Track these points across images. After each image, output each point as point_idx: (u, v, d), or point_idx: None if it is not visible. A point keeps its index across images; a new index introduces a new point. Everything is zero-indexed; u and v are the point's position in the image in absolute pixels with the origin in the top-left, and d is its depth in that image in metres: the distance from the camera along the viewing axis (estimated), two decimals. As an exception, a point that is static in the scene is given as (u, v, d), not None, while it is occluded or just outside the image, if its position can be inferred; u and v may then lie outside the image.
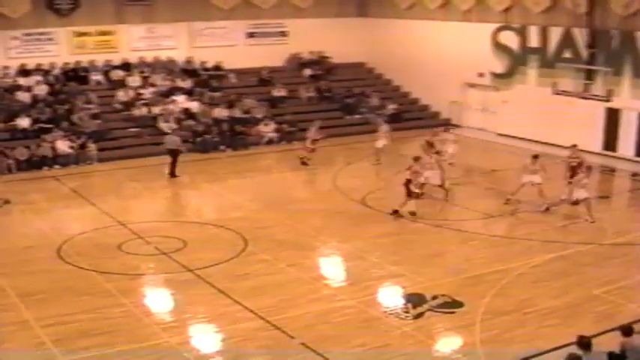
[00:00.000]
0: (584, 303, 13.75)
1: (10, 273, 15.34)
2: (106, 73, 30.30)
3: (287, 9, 33.85)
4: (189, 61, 31.87)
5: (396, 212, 19.13)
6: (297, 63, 34.43)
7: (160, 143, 27.10)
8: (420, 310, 13.49)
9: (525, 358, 11.63)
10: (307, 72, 33.86)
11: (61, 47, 29.73)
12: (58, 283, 14.83)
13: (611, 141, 26.46)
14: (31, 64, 29.07)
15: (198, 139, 27.58)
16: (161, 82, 30.35)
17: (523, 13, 29.09)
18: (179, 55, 31.97)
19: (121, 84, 29.82)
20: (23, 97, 27.65)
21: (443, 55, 31.65)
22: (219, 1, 32.19)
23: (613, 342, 10.30)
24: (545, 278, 14.99)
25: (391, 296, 14.33)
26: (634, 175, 24.69)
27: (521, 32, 29.22)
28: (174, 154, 24.22)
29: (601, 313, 13.22)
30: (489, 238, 17.81)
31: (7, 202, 20.77)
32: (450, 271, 15.45)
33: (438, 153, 21.72)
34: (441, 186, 20.68)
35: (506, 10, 29.70)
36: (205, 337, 12.78)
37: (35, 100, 27.66)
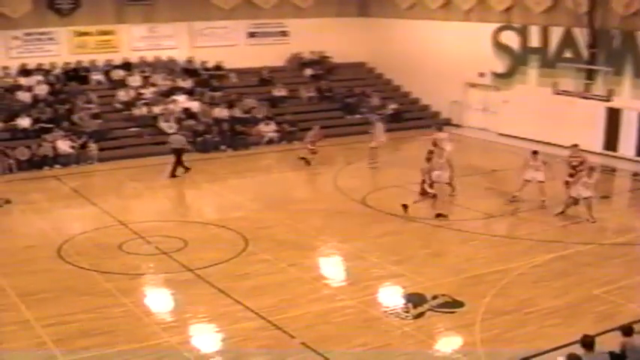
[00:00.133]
0: (584, 303, 13.75)
1: (10, 273, 15.35)
2: (106, 73, 30.31)
3: (287, 9, 33.85)
4: (189, 61, 31.89)
5: (405, 206, 19.16)
6: (298, 63, 34.43)
7: (160, 143, 27.19)
8: (420, 309, 13.49)
9: (525, 358, 11.62)
10: (308, 72, 33.87)
11: (61, 47, 29.75)
12: (58, 283, 14.83)
13: (611, 141, 26.45)
14: (31, 63, 29.09)
15: (199, 139, 27.58)
16: (162, 81, 30.36)
17: (524, 13, 29.09)
18: (180, 55, 31.98)
19: (122, 84, 29.83)
20: (24, 96, 27.67)
21: (444, 54, 31.65)
22: (220, 1, 32.20)
23: (613, 342, 10.29)
24: (545, 278, 14.99)
25: (391, 296, 14.33)
26: (634, 174, 24.68)
27: (522, 32, 29.21)
28: (179, 153, 24.26)
29: (601, 313, 13.22)
30: (490, 238, 17.81)
31: (7, 201, 20.78)
32: (450, 271, 15.44)
33: (431, 152, 21.75)
34: (449, 183, 20.64)
35: (507, 9, 29.69)
36: (206, 336, 12.79)
37: (36, 99, 27.67)
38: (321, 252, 17.29)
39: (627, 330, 10.17)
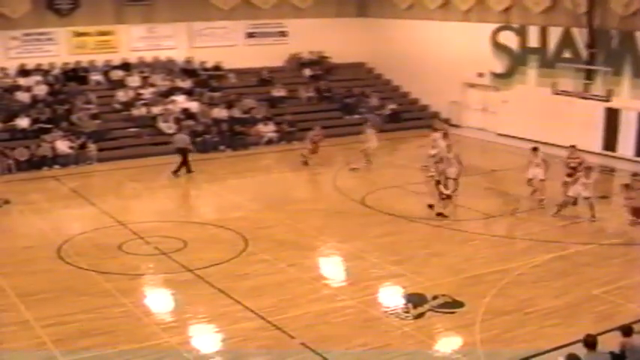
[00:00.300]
0: (584, 303, 13.75)
1: (10, 273, 15.34)
2: (105, 73, 30.30)
3: (287, 9, 33.85)
4: (188, 61, 31.87)
5: (431, 206, 19.22)
6: (297, 63, 34.43)
7: (159, 143, 27.25)
8: (420, 310, 13.49)
9: (525, 358, 11.62)
10: (307, 72, 33.87)
11: (60, 47, 29.74)
12: (58, 283, 14.82)
13: (610, 141, 26.45)
14: (30, 64, 29.08)
15: (198, 139, 27.57)
16: (161, 82, 30.35)
17: (523, 13, 29.09)
18: (179, 55, 31.97)
19: (121, 84, 29.82)
20: (23, 97, 27.65)
21: (443, 55, 31.65)
22: (219, 1, 32.20)
23: (613, 342, 10.29)
24: (545, 278, 14.99)
25: (391, 296, 14.33)
26: (634, 175, 24.62)
27: (521, 32, 29.22)
28: (183, 152, 24.28)
29: (601, 313, 13.22)
30: (489, 238, 17.82)
31: (7, 202, 20.77)
32: (450, 271, 15.44)
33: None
34: (455, 179, 20.55)
35: (506, 10, 29.70)
36: (205, 337, 12.78)
37: (35, 100, 27.66)
38: (320, 252, 17.29)
39: (627, 330, 10.17)
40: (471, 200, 20.77)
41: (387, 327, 12.91)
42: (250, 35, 33.43)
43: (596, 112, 26.42)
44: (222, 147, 27.97)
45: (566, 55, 27.51)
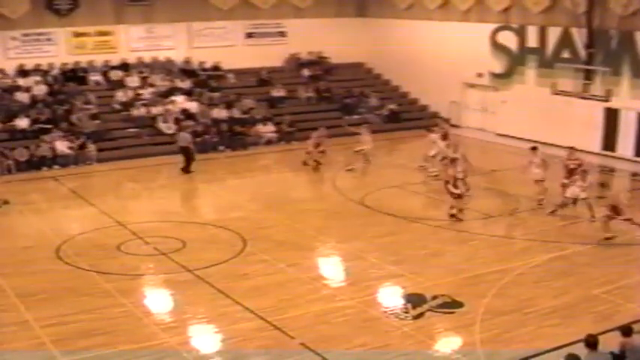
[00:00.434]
0: (583, 303, 13.75)
1: (9, 273, 15.34)
2: (104, 74, 30.30)
3: (286, 9, 33.85)
4: (187, 62, 31.87)
5: (457, 213, 19.12)
6: (296, 63, 34.43)
7: (158, 144, 27.31)
8: (419, 310, 13.49)
9: (525, 358, 11.62)
10: (306, 72, 33.86)
11: (59, 47, 29.74)
12: (57, 284, 14.82)
13: (610, 141, 26.45)
14: (29, 64, 29.08)
15: (197, 140, 27.55)
16: (160, 82, 30.35)
17: (522, 13, 29.10)
18: (178, 56, 31.96)
19: (120, 84, 29.83)
20: (22, 97, 27.65)
21: (442, 55, 31.65)
22: (218, 2, 32.20)
23: (613, 342, 10.29)
24: (544, 278, 14.99)
25: (391, 296, 14.33)
26: (633, 175, 24.70)
27: (520, 32, 29.23)
28: (186, 151, 24.29)
29: (600, 313, 13.21)
30: (489, 238, 17.81)
31: (6, 202, 20.75)
32: (449, 272, 15.44)
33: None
34: (463, 179, 20.53)
35: (505, 10, 29.71)
36: (205, 337, 12.78)
37: (34, 100, 27.65)
38: (320, 252, 17.29)
39: (626, 330, 10.17)
40: (470, 200, 20.76)
41: (386, 327, 12.92)
42: (249, 35, 33.43)
43: (595, 112, 26.42)
44: (221, 147, 27.97)
45: (566, 55, 27.52)
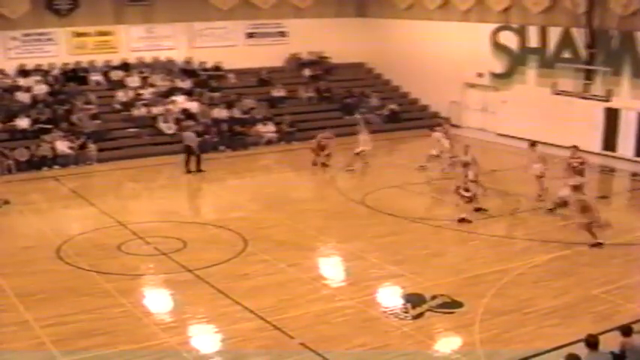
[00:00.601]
0: (583, 303, 13.74)
1: (9, 273, 15.34)
2: (105, 74, 30.31)
3: (286, 9, 33.86)
4: (188, 62, 31.88)
5: (478, 210, 19.18)
6: (297, 63, 34.43)
7: (159, 144, 27.36)
8: (419, 310, 13.49)
9: (525, 358, 11.62)
10: (307, 72, 33.87)
11: (60, 47, 29.76)
12: (57, 284, 14.83)
13: (610, 141, 26.45)
14: (30, 64, 29.10)
15: (198, 140, 27.51)
16: (160, 82, 30.36)
17: (522, 13, 29.10)
18: (178, 56, 31.98)
19: (121, 84, 29.84)
20: (23, 97, 27.66)
21: (442, 55, 31.65)
22: (219, 2, 32.20)
23: (613, 342, 10.29)
24: (544, 278, 14.98)
25: (391, 296, 14.33)
26: (633, 175, 24.70)
27: (521, 32, 29.23)
28: (191, 150, 24.41)
29: (600, 314, 13.21)
30: (489, 238, 17.80)
31: (6, 202, 20.76)
32: (449, 272, 15.44)
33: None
34: (474, 181, 20.50)
35: (506, 10, 29.71)
36: (205, 337, 12.78)
37: (35, 100, 27.67)
38: (320, 252, 17.30)
39: (626, 330, 10.17)
40: (466, 204, 20.75)
41: (386, 327, 12.92)
42: (250, 35, 33.44)
43: (595, 112, 26.43)
44: (221, 147, 27.97)
45: (566, 55, 27.52)
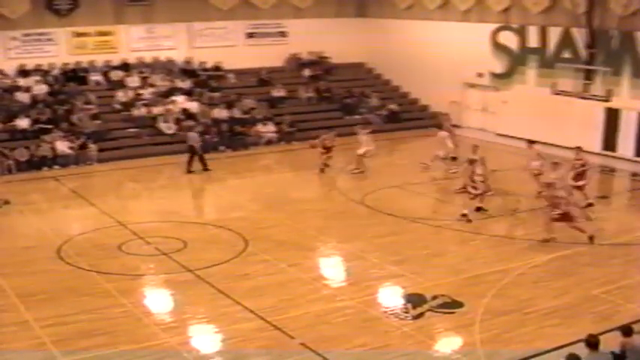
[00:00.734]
0: (583, 303, 13.75)
1: (10, 273, 15.34)
2: (105, 74, 30.31)
3: (286, 9, 33.87)
4: (188, 62, 31.88)
5: (478, 209, 19.28)
6: (297, 63, 34.44)
7: (159, 144, 27.37)
8: (419, 310, 13.49)
9: (525, 358, 11.62)
10: (306, 72, 33.88)
11: (60, 47, 29.76)
12: (58, 284, 14.83)
13: (610, 141, 26.46)
14: (30, 64, 29.10)
15: (201, 140, 27.52)
16: (160, 82, 30.36)
17: (522, 14, 29.12)
18: (178, 56, 31.98)
19: (121, 84, 29.84)
20: (23, 97, 27.66)
21: (442, 55, 31.66)
22: (219, 2, 32.21)
23: (613, 342, 10.29)
24: (544, 278, 14.99)
25: (391, 296, 14.33)
26: (634, 175, 24.71)
27: (521, 32, 29.25)
28: (194, 150, 24.52)
29: (600, 314, 13.21)
30: (489, 238, 17.81)
31: (6, 202, 20.76)
32: (449, 272, 15.44)
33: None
34: (482, 181, 20.49)
35: (506, 10, 29.74)
36: (205, 337, 12.78)
37: (35, 100, 27.66)
38: (320, 252, 17.30)
39: (627, 330, 10.17)
40: (470, 200, 20.76)
41: (386, 327, 12.92)
42: (250, 35, 33.45)
43: (595, 112, 26.43)
44: (222, 147, 27.96)
45: (566, 55, 27.55)
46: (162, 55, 31.73)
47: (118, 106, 28.96)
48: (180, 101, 29.53)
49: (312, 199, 22.52)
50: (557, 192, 17.15)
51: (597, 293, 14.14)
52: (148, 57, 31.43)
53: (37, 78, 28.66)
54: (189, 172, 24.33)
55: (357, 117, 31.52)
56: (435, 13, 32.44)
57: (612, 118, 26.35)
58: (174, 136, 27.56)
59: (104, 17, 30.40)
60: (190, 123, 27.77)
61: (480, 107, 31.55)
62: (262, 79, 32.67)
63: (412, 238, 17.89)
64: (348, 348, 12.12)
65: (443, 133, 24.54)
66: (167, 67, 31.50)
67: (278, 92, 31.97)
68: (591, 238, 16.77)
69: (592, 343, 9.74)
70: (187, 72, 31.49)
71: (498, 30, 30.08)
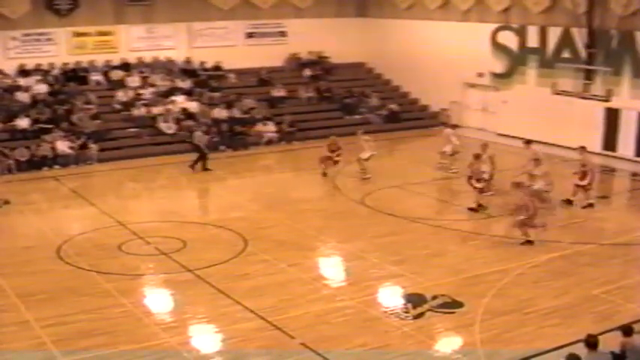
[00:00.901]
0: (583, 303, 13.76)
1: (10, 273, 15.35)
2: (105, 74, 30.30)
3: (286, 9, 33.86)
4: (188, 62, 31.88)
5: (477, 208, 19.40)
6: (297, 63, 34.43)
7: (159, 143, 27.38)
8: (420, 310, 13.50)
9: (525, 358, 11.63)
10: (307, 72, 33.87)
11: (60, 47, 29.74)
12: (58, 284, 14.83)
13: (610, 141, 26.45)
14: (30, 64, 29.08)
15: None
16: (160, 82, 30.36)
17: (522, 13, 29.11)
18: (178, 56, 31.97)
19: (121, 84, 29.83)
20: (23, 97, 27.65)
21: (442, 55, 31.65)
22: (219, 2, 32.20)
23: (613, 342, 10.30)
24: (544, 278, 14.99)
25: (391, 296, 14.34)
26: (634, 175, 24.71)
27: (521, 32, 29.23)
28: (200, 149, 24.62)
29: (600, 314, 13.22)
30: (489, 238, 17.81)
31: (6, 202, 20.75)
32: (449, 272, 15.44)
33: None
34: (488, 180, 20.52)
35: (506, 10, 29.72)
36: (205, 337, 12.79)
37: (35, 100, 27.66)
38: (320, 252, 17.30)
39: (627, 330, 10.18)
40: (471, 200, 20.76)
41: (386, 327, 12.93)
42: (250, 35, 33.43)
43: (595, 112, 26.42)
44: (222, 147, 27.94)
45: (566, 55, 27.52)
46: (163, 55, 31.71)
47: (118, 106, 28.96)
48: (181, 101, 29.53)
49: (312, 199, 22.50)
50: (524, 196, 17.18)
51: (597, 293, 14.15)
52: (148, 57, 31.41)
53: (38, 78, 28.65)
54: (205, 169, 24.38)
55: (357, 117, 31.56)
56: (435, 13, 32.43)
57: (612, 118, 26.35)
58: (175, 136, 27.56)
59: (104, 17, 30.39)
60: (191, 123, 27.75)
61: (480, 107, 31.54)
62: (262, 78, 32.66)
63: (412, 238, 17.89)
64: (348, 348, 12.12)
65: (448, 130, 24.61)
66: (167, 67, 31.49)
67: (278, 92, 31.96)
68: (530, 242, 16.82)
69: (591, 343, 9.75)
70: (187, 72, 31.49)
71: (498, 30, 30.06)
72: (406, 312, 13.45)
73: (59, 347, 12.05)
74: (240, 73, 32.62)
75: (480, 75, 30.97)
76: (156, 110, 28.57)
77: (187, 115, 28.70)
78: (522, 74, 29.48)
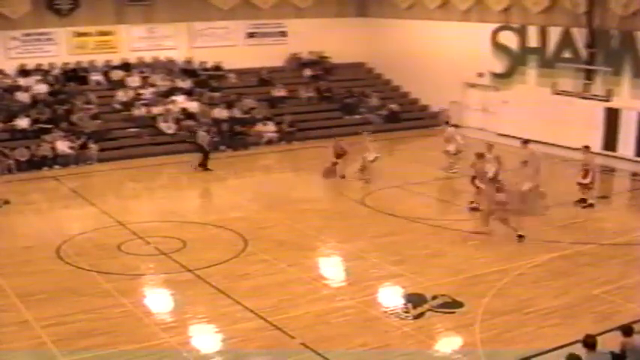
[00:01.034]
0: (583, 303, 13.75)
1: (10, 273, 15.35)
2: (105, 74, 30.31)
3: (287, 9, 33.86)
4: (188, 62, 31.88)
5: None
6: (297, 63, 34.44)
7: (159, 143, 27.38)
8: (420, 310, 13.49)
9: (525, 358, 11.63)
10: (307, 72, 33.87)
11: (60, 47, 29.75)
12: (57, 284, 14.83)
13: (610, 141, 26.44)
14: (30, 64, 29.09)
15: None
16: (161, 82, 30.36)
17: (522, 13, 29.10)
18: (179, 56, 31.97)
19: (121, 84, 29.83)
20: (23, 97, 27.66)
21: (442, 55, 31.67)
22: (219, 2, 32.20)
23: (613, 342, 10.30)
24: (545, 278, 14.99)
25: (391, 296, 14.33)
26: (634, 175, 24.70)
27: (521, 32, 29.23)
28: (202, 149, 24.70)
29: (600, 313, 13.22)
30: (489, 238, 17.78)
31: (6, 202, 20.76)
32: (449, 272, 15.44)
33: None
34: (492, 180, 20.45)
35: (506, 10, 29.71)
36: (205, 337, 12.79)
37: (35, 100, 27.66)
38: (320, 252, 17.29)
39: (627, 330, 10.18)
40: (470, 200, 20.78)
41: (386, 327, 12.92)
42: (250, 35, 33.43)
43: (596, 112, 26.42)
44: (222, 147, 27.94)
45: (566, 55, 27.52)
46: (163, 55, 31.72)
47: (118, 106, 28.96)
48: (181, 101, 29.53)
49: (312, 199, 22.49)
50: (498, 194, 17.28)
51: (597, 293, 14.14)
52: (148, 57, 31.42)
53: (38, 78, 28.66)
54: (206, 169, 24.47)
55: (357, 117, 31.57)
56: (435, 12, 32.42)
57: (612, 118, 26.34)
58: (175, 136, 27.56)
59: (105, 17, 30.39)
60: (191, 123, 27.76)
61: (480, 107, 31.53)
62: (262, 78, 32.66)
63: (412, 238, 17.89)
64: (348, 348, 12.12)
65: (451, 129, 24.59)
66: (167, 67, 31.49)
67: (278, 92, 31.97)
68: (521, 237, 17.04)
69: (589, 343, 9.75)
70: (188, 72, 31.49)
71: (498, 30, 30.06)
72: (406, 312, 13.44)
73: (59, 347, 12.04)
74: (240, 73, 32.62)
75: (480, 75, 30.97)
76: (156, 110, 28.58)
77: (187, 115, 28.71)
78: (522, 74, 29.48)
